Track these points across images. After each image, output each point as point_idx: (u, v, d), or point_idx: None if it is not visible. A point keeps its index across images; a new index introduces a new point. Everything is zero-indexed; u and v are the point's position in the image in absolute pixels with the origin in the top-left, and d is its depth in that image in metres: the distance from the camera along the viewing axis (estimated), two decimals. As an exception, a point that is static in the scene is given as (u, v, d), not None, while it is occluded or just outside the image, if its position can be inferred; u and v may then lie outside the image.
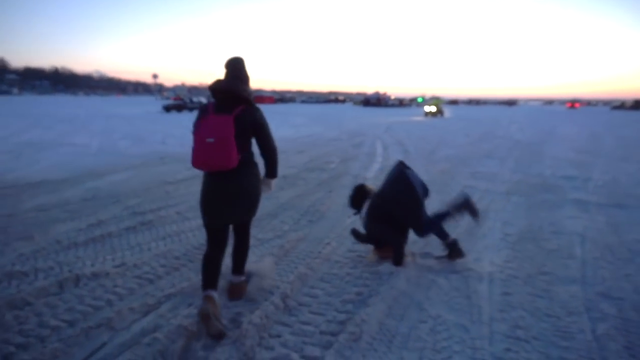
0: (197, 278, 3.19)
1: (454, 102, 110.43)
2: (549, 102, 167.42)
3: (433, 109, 34.77)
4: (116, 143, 12.45)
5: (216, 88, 2.59)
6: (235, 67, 2.64)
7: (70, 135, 14.42)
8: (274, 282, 3.14)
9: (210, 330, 2.39)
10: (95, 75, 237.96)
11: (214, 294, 2.56)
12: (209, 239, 2.69)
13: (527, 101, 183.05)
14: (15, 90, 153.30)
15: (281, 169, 8.30)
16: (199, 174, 7.58)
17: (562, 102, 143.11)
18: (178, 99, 39.26)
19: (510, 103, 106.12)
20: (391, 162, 9.46)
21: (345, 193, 6.45)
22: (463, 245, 4.07)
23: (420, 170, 8.49)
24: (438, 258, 3.78)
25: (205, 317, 2.39)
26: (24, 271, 3.22)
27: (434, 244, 4.15)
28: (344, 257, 3.77)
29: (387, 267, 3.50)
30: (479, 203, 5.82)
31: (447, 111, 53.31)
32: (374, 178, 7.62)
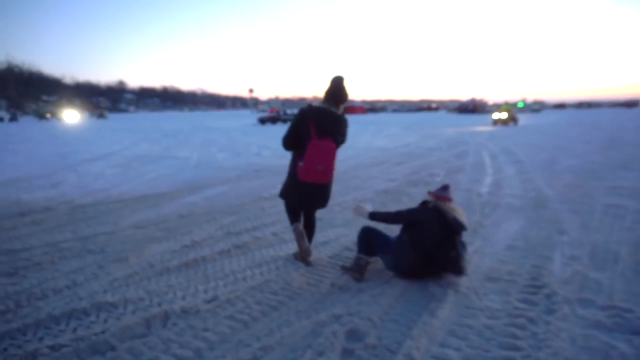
0: (299, 323, 2.66)
1: (560, 106, 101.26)
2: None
3: (504, 115, 29.27)
4: (214, 156, 12.73)
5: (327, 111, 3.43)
6: (340, 86, 3.43)
7: (173, 149, 15.14)
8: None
9: (301, 249, 3.56)
10: (198, 92, 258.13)
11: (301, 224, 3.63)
12: (290, 211, 3.70)
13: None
14: (132, 108, 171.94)
15: (381, 183, 7.69)
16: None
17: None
18: (274, 112, 40.41)
19: (630, 105, 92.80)
20: (505, 175, 8.35)
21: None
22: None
23: (542, 183, 7.31)
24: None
25: (300, 235, 3.54)
26: (114, 302, 2.93)
27: (592, 286, 3.21)
28: (477, 301, 2.99)
29: (539, 318, 2.68)
30: (637, 229, 4.63)
31: (553, 116, 48.83)
32: (490, 193, 6.64)
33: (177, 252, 4.05)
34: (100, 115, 71.52)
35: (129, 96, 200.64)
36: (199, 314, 2.78)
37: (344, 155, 12.31)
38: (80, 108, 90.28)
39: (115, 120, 60.33)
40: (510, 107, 30.98)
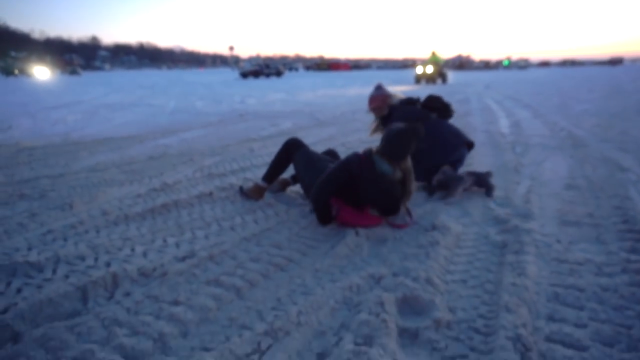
0: (321, 289, 1.73)
1: (545, 64, 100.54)
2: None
3: (429, 69, 21.96)
4: (193, 103, 11.48)
5: None
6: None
7: (148, 98, 13.76)
8: None
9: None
10: (176, 49, 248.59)
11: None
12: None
13: (635, 60, 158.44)
14: (107, 65, 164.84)
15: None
16: (287, 131, 6.16)
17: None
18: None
19: (614, 62, 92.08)
20: (520, 117, 7.47)
21: (487, 151, 4.75)
22: None
23: (566, 124, 6.44)
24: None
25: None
26: (37, 262, 1.95)
27: None
28: (566, 252, 2.10)
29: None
30: None
31: (541, 72, 47.92)
32: (513, 134, 5.76)
33: (141, 196, 3.05)
34: (73, 72, 67.69)
35: (103, 53, 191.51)
36: (165, 278, 1.82)
37: (335, 102, 11.24)
38: (51, 65, 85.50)
39: (88, 77, 57.17)
40: (436, 59, 22.50)
